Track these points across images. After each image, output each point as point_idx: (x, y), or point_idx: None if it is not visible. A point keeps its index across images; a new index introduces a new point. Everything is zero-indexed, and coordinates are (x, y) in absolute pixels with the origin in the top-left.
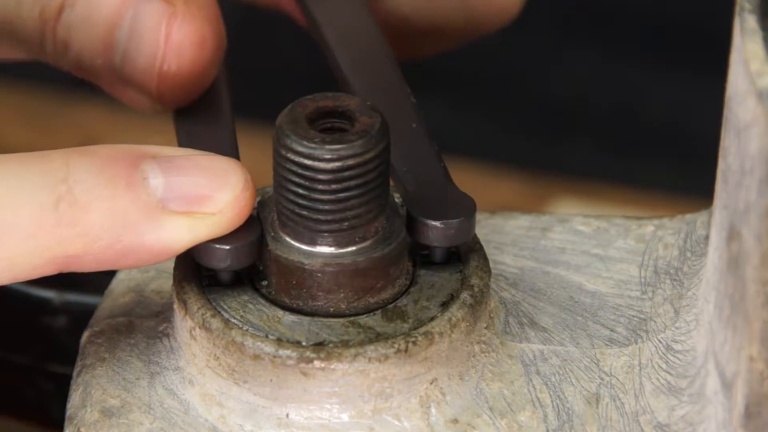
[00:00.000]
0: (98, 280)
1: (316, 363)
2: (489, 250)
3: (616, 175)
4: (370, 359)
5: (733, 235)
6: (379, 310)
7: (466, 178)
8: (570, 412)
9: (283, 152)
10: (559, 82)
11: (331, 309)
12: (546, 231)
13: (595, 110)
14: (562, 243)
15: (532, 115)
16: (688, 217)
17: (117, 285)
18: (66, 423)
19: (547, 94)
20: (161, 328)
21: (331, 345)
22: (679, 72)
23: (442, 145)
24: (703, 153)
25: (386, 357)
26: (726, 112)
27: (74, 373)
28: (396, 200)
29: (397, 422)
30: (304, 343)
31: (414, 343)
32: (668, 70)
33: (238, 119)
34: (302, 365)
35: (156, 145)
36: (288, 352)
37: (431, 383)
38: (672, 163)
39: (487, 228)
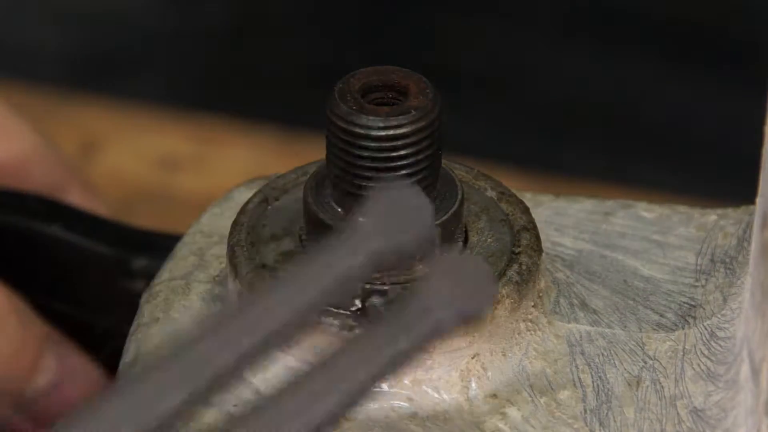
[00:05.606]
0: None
1: (357, 331)
2: (549, 232)
3: (616, 175)
4: None
5: (765, 222)
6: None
7: None
8: (609, 393)
9: (336, 125)
10: (559, 82)
11: (380, 277)
12: (609, 215)
13: (595, 110)
14: (623, 228)
15: (532, 115)
16: (752, 207)
17: (180, 248)
18: (116, 379)
19: (547, 94)
20: (216, 292)
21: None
22: (679, 72)
23: (441, 145)
24: (703, 153)
25: None
26: None
27: (130, 331)
28: (450, 172)
29: (436, 395)
30: (347, 311)
31: None
32: (668, 71)
33: (239, 119)
34: (344, 333)
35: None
36: (330, 318)
37: (473, 358)
38: (672, 163)
39: (550, 210)
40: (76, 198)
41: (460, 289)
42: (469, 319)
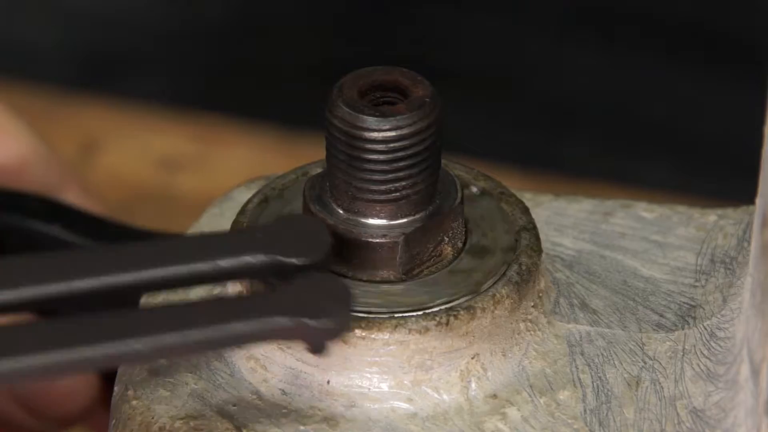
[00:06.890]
0: None
1: (357, 332)
2: (549, 232)
3: (616, 174)
4: (410, 330)
5: (765, 221)
6: (412, 281)
7: None
8: (609, 393)
9: (336, 125)
10: (559, 81)
11: (380, 277)
12: (608, 215)
13: (595, 109)
14: (623, 228)
15: (532, 115)
16: (752, 207)
17: None
18: (116, 380)
19: (547, 94)
20: (217, 291)
21: (372, 314)
22: (680, 72)
23: (441, 145)
24: (704, 152)
25: (427, 329)
26: None
27: None
28: (450, 175)
29: (436, 395)
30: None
31: (456, 316)
32: (668, 70)
33: (239, 118)
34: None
35: (157, 143)
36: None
37: (473, 358)
38: (672, 163)
39: (550, 210)
40: (73, 199)
41: (311, 304)
42: (312, 335)
